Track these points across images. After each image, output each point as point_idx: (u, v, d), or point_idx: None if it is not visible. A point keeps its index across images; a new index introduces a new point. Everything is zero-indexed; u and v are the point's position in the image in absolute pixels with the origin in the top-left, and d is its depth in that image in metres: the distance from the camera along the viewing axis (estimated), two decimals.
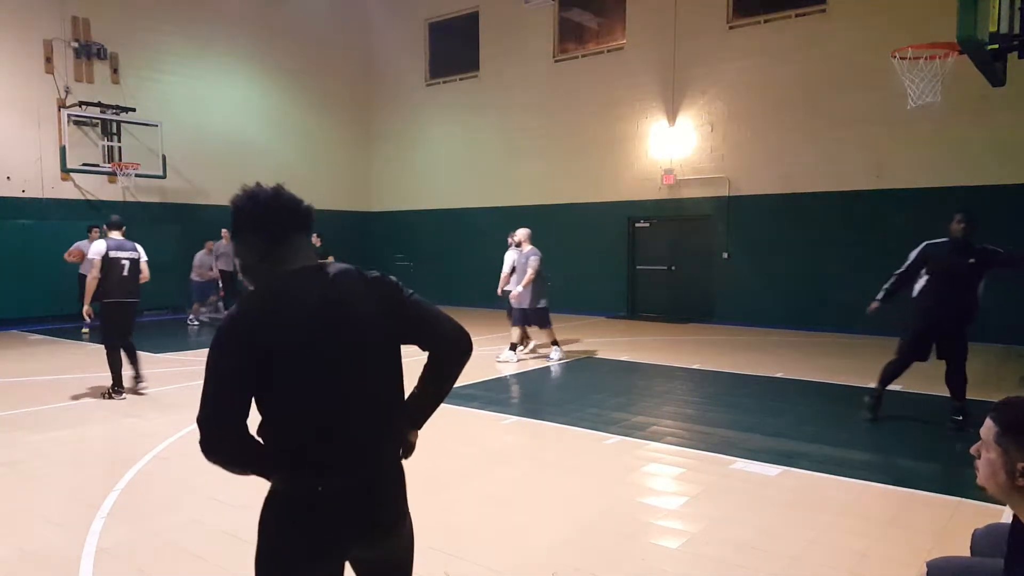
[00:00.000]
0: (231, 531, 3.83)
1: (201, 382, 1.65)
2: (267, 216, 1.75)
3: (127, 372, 7.31)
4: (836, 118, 12.08)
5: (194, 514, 4.11)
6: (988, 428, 1.75)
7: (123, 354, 7.27)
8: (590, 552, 3.57)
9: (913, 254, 6.06)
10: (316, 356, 1.68)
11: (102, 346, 7.23)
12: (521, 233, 9.40)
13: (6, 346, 10.75)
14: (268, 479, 1.77)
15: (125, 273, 7.06)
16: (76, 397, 7.23)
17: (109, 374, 7.15)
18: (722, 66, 13.29)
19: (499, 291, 9.93)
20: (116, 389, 7.18)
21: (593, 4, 15.63)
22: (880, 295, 6.20)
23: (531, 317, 9.29)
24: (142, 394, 7.30)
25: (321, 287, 1.73)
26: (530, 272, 8.98)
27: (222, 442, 1.66)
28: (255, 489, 1.83)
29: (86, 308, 7.23)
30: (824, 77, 12.17)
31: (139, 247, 7.35)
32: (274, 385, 1.65)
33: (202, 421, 1.63)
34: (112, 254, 7.00)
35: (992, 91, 7.27)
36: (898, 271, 6.14)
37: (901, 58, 7.84)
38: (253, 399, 1.67)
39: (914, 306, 6.03)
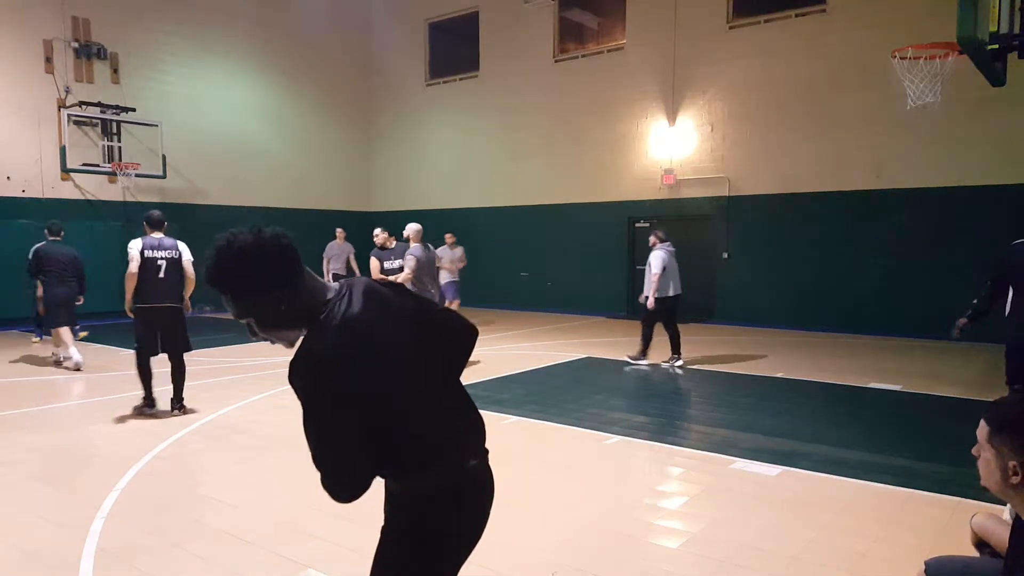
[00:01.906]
0: (231, 531, 3.83)
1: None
2: (283, 256, 1.69)
3: (161, 388, 6.46)
4: (836, 118, 12.09)
5: (194, 514, 4.11)
6: (982, 429, 1.77)
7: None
8: (590, 552, 3.57)
9: (996, 267, 5.12)
10: (411, 363, 1.78)
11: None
12: (411, 229, 8.72)
13: (6, 346, 10.74)
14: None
15: (161, 275, 6.27)
16: (76, 397, 7.23)
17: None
18: (722, 66, 13.29)
19: (647, 299, 9.40)
20: (147, 403, 6.34)
21: (593, 4, 15.63)
22: (967, 312, 5.26)
23: None
24: (175, 414, 6.34)
25: (369, 301, 1.76)
26: (406, 272, 8.32)
27: (352, 499, 1.70)
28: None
29: (128, 307, 6.34)
30: (824, 77, 12.16)
31: (181, 245, 6.54)
32: (391, 406, 1.70)
33: (330, 488, 1.66)
34: (148, 253, 6.25)
35: (992, 91, 7.26)
36: (985, 294, 5.18)
37: (901, 58, 7.85)
38: (369, 430, 1.68)
39: (1007, 325, 5.13)
